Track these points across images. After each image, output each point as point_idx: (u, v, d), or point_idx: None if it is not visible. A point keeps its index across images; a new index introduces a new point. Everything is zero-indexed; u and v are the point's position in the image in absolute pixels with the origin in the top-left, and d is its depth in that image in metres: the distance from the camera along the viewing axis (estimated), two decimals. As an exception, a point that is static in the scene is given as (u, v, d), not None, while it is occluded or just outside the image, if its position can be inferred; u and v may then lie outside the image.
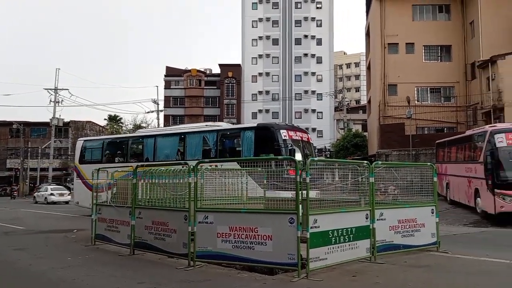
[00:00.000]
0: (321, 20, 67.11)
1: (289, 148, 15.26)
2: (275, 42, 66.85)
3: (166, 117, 63.41)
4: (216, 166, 13.45)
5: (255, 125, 17.70)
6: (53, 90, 49.75)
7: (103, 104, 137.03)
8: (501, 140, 15.79)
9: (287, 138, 15.77)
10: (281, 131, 15.91)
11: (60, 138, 61.14)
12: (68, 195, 37.26)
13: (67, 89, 50.63)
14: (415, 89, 36.95)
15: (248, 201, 10.64)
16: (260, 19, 67.19)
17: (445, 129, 36.41)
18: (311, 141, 17.88)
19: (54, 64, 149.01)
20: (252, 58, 66.83)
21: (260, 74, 66.43)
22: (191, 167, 8.72)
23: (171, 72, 67.30)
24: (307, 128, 44.53)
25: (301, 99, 64.91)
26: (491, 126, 18.21)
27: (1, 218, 20.91)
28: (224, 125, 20.68)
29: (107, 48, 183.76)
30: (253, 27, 67.27)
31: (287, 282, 7.14)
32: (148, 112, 67.63)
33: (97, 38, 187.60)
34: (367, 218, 8.52)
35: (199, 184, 8.65)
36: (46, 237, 13.78)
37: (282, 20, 67.10)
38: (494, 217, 15.97)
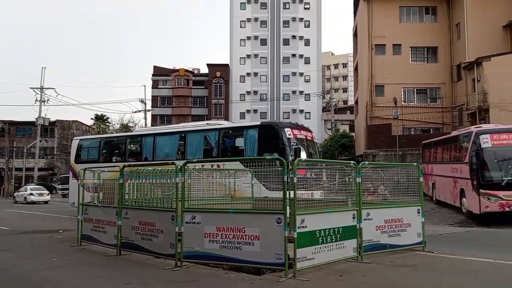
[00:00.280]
0: (309, 20, 67.30)
1: (294, 147, 14.98)
2: (263, 42, 66.89)
3: (154, 117, 63.10)
4: (218, 166, 13.41)
5: (258, 123, 17.45)
6: (39, 89, 49.20)
7: (89, 104, 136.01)
8: (486, 141, 15.99)
9: (292, 136, 15.57)
10: (286, 129, 15.70)
11: (46, 137, 60.49)
12: (48, 195, 37.01)
13: (53, 88, 50.08)
14: (402, 90, 37.25)
15: (235, 201, 10.65)
16: (249, 19, 67.17)
17: (431, 129, 36.75)
18: (315, 140, 17.65)
19: (40, 63, 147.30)
20: (240, 58, 66.77)
21: (248, 74, 66.40)
22: (179, 167, 8.69)
23: (158, 72, 66.96)
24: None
25: (289, 100, 65.00)
26: (476, 127, 18.43)
27: (-15, 219, 20.63)
28: (226, 123, 20.41)
29: (94, 47, 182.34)
30: (241, 27, 67.22)
31: (274, 282, 7.15)
32: (135, 112, 67.52)
33: (84, 37, 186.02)
34: (354, 218, 8.58)
35: (187, 184, 8.63)
36: (31, 238, 13.62)
37: (270, 20, 67.17)
38: (479, 217, 16.16)
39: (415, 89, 37.80)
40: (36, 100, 49.32)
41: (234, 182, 10.96)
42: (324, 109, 64.64)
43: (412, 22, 38.37)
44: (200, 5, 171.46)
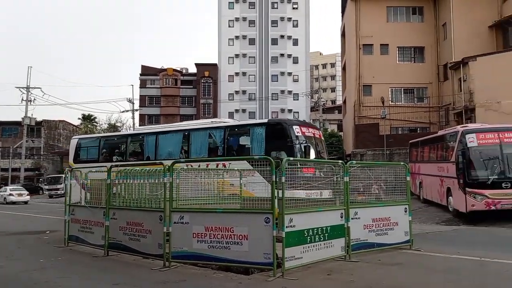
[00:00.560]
0: (297, 20, 67.39)
1: (304, 145, 14.63)
2: (252, 42, 66.83)
3: (142, 117, 62.76)
4: (224, 166, 13.32)
5: (266, 121, 17.02)
6: (25, 89, 48.66)
7: (76, 103, 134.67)
8: (472, 140, 16.15)
9: (300, 134, 15.11)
10: (294, 127, 15.31)
11: (32, 137, 59.84)
12: (27, 195, 36.71)
13: (39, 88, 49.57)
14: (389, 89, 37.52)
15: (224, 201, 10.65)
16: (237, 19, 67.07)
17: (418, 129, 37.05)
18: (322, 138, 17.28)
19: (26, 62, 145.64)
20: (228, 57, 66.62)
21: (237, 73, 66.30)
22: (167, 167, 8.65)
23: (146, 71, 66.60)
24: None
25: (277, 99, 65.04)
26: (462, 127, 18.60)
27: (-30, 220, 20.37)
28: (231, 121, 20.01)
29: (81, 46, 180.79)
30: (229, 26, 67.07)
31: (262, 281, 7.16)
32: (123, 112, 66.74)
33: (71, 36, 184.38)
34: (342, 217, 8.63)
35: (175, 184, 8.61)
36: (18, 239, 13.47)
37: (259, 20, 67.14)
38: (466, 215, 16.32)
39: (402, 88, 38.10)
40: (22, 99, 48.82)
41: (241, 182, 11.05)
42: (313, 109, 64.85)
43: (399, 22, 38.66)
44: (188, 5, 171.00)
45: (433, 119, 36.61)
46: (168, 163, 9.00)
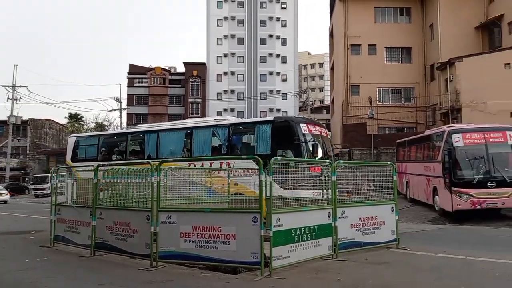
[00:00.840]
0: (286, 20, 67.53)
1: (312, 143, 14.35)
2: (240, 41, 66.80)
3: (129, 116, 62.42)
4: (228, 165, 13.11)
5: (271, 118, 16.66)
6: (11, 87, 48.08)
7: (63, 102, 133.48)
8: (458, 140, 16.31)
9: (307, 132, 14.78)
10: (301, 124, 14.94)
11: (18, 136, 59.14)
12: (7, 194, 36.24)
13: (25, 86, 48.97)
14: (377, 89, 37.77)
15: (212, 201, 10.64)
16: (226, 18, 66.99)
17: (405, 129, 37.35)
18: (329, 136, 16.96)
19: (12, 61, 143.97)
20: (217, 57, 66.54)
21: (225, 73, 66.25)
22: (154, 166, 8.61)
23: (134, 70, 66.22)
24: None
25: (266, 99, 65.13)
26: (448, 126, 18.75)
27: (-46, 220, 20.05)
28: (234, 119, 19.64)
29: (68, 45, 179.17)
30: (218, 26, 66.97)
31: (250, 281, 7.16)
32: (110, 111, 66.22)
33: (58, 35, 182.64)
34: (329, 216, 8.66)
35: (162, 184, 8.57)
36: (3, 239, 13.28)
37: (247, 19, 67.14)
38: (452, 214, 16.47)
39: (390, 89, 38.38)
40: (8, 98, 48.23)
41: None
42: (301, 109, 65.00)
43: (387, 23, 38.95)
44: (176, 4, 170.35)
45: (420, 119, 36.93)
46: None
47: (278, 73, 66.26)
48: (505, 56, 29.38)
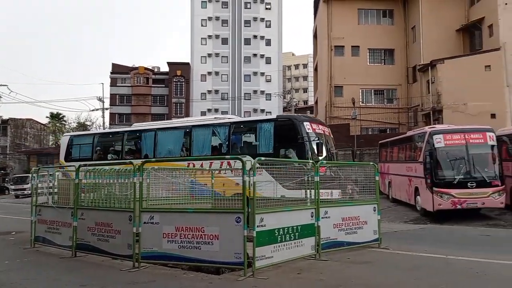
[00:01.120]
0: (270, 21, 67.63)
1: (317, 142, 13.98)
2: (225, 41, 66.71)
3: (112, 116, 61.83)
4: (229, 164, 12.85)
5: (274, 117, 16.27)
6: (-10, 86, 47.16)
7: (45, 101, 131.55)
8: (439, 141, 16.53)
9: (311, 131, 14.42)
10: (305, 123, 14.56)
11: (-2, 136, 58.20)
12: None
13: (6, 85, 48.07)
14: (360, 91, 38.07)
15: (195, 201, 10.61)
16: (210, 18, 66.83)
17: (388, 129, 37.70)
18: (331, 136, 16.58)
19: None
20: (201, 57, 66.33)
21: (210, 73, 66.07)
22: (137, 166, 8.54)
23: (117, 70, 65.61)
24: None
25: (250, 99, 65.14)
26: (430, 128, 18.99)
27: None
28: (235, 117, 19.11)
29: (50, 43, 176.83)
30: (202, 25, 66.77)
31: (233, 281, 7.17)
32: (93, 110, 65.47)
33: (39, 33, 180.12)
34: (312, 216, 8.71)
35: (145, 184, 8.52)
36: (-18, 240, 13.08)
37: (232, 19, 67.08)
38: (433, 214, 16.68)
39: (373, 90, 38.71)
40: (-13, 97, 47.28)
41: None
42: (285, 109, 65.15)
43: (370, 25, 39.28)
44: (160, 3, 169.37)
45: (402, 120, 37.33)
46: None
47: (262, 74, 66.33)
48: (485, 58, 29.90)
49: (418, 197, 18.17)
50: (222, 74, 66.18)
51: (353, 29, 38.34)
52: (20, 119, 64.26)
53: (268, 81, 66.27)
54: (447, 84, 29.95)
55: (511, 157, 16.84)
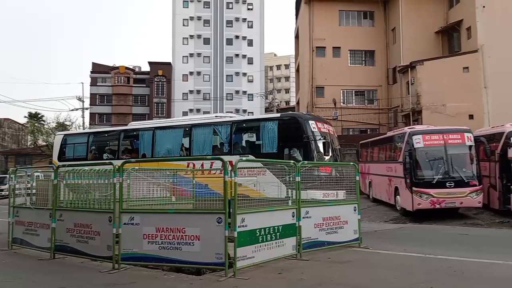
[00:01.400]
0: (252, 21, 67.71)
1: (323, 140, 13.76)
2: (207, 41, 66.54)
3: (92, 116, 61.11)
4: (231, 164, 12.74)
5: (278, 115, 15.97)
6: (-34, 85, 46.21)
7: (23, 101, 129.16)
8: (418, 141, 16.76)
9: (316, 130, 14.11)
10: (310, 122, 14.23)
11: (-26, 136, 56.99)
12: None
13: (-18, 85, 47.18)
14: (341, 91, 38.36)
15: (177, 202, 10.56)
16: (192, 18, 66.58)
17: (369, 130, 38.06)
18: (336, 135, 16.38)
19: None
20: (183, 56, 66.03)
21: (191, 73, 65.82)
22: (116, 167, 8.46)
23: (97, 69, 64.90)
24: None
25: (232, 99, 65.13)
26: (409, 128, 19.22)
27: None
28: (237, 116, 18.79)
29: (28, 42, 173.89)
30: (184, 25, 66.48)
31: (214, 281, 7.15)
32: (72, 110, 64.53)
33: (18, 31, 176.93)
34: (293, 216, 8.74)
35: (125, 185, 8.44)
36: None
37: (214, 19, 66.94)
38: (412, 213, 16.90)
39: (354, 91, 39.04)
40: (-37, 96, 46.37)
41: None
42: (267, 109, 65.26)
43: (351, 26, 39.61)
44: (142, 2, 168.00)
45: (383, 120, 37.73)
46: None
47: (244, 74, 66.36)
48: (464, 60, 30.44)
49: (398, 196, 18.37)
50: (204, 74, 66.00)
51: (334, 30, 38.62)
52: (-3, 119, 63.07)
53: (250, 81, 66.32)
54: (426, 85, 30.40)
55: (488, 157, 17.13)
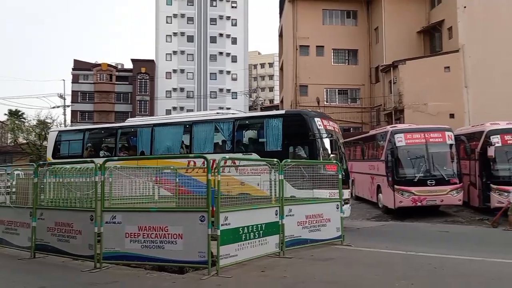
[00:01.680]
0: (236, 19, 67.63)
1: (330, 139, 13.53)
2: (190, 39, 66.25)
3: (74, 113, 60.38)
4: (234, 162, 12.40)
5: (283, 112, 15.58)
6: None
7: (3, 98, 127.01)
8: (400, 140, 16.97)
9: (322, 127, 13.72)
10: (316, 119, 13.85)
11: (-48, 134, 55.86)
12: None
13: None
14: (324, 90, 38.53)
15: (160, 200, 10.52)
16: (175, 15, 66.21)
17: (351, 128, 38.29)
18: (340, 132, 16.08)
19: None
20: (166, 54, 65.65)
21: (175, 70, 65.47)
22: (98, 165, 8.37)
23: (79, 66, 64.11)
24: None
25: (216, 97, 65.02)
26: (392, 127, 19.45)
27: None
28: (239, 113, 18.39)
29: (7, 38, 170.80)
30: (167, 23, 66.09)
31: (197, 280, 7.13)
32: (54, 107, 63.71)
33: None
34: (276, 215, 8.76)
35: (107, 183, 8.36)
36: None
37: (197, 17, 66.68)
38: (394, 211, 17.11)
39: (337, 89, 39.25)
40: None
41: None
42: (251, 108, 65.25)
43: (334, 25, 39.78)
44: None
45: (365, 119, 38.03)
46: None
47: (228, 72, 66.28)
48: (445, 60, 30.84)
49: (380, 194, 18.57)
50: (187, 72, 65.73)
51: (318, 29, 38.76)
52: (-24, 116, 61.99)
53: (234, 79, 66.28)
54: (408, 84, 30.73)
55: (468, 156, 17.44)
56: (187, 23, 66.44)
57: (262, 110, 54.09)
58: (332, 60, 39.35)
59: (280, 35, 46.04)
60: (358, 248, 9.92)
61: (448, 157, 16.92)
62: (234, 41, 66.95)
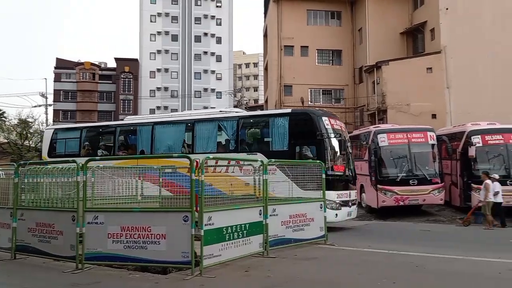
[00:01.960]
0: (221, 18, 67.54)
1: (338, 138, 13.35)
2: (175, 38, 65.96)
3: (56, 112, 59.65)
4: (237, 162, 12.15)
5: (289, 111, 15.33)
6: None
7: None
8: (383, 140, 17.14)
9: (330, 127, 13.52)
10: (323, 118, 13.62)
11: None
12: None
13: None
14: (309, 90, 38.65)
15: (143, 200, 10.44)
16: (159, 14, 65.85)
17: (336, 129, 38.43)
18: (347, 132, 15.85)
19: None
20: (150, 53, 65.26)
21: (159, 70, 65.12)
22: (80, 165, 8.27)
23: (62, 64, 63.36)
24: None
25: (200, 97, 64.85)
26: (375, 127, 19.62)
27: None
28: (242, 112, 18.06)
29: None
30: (151, 21, 65.69)
31: (180, 280, 7.10)
32: (35, 106, 62.69)
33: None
34: (260, 214, 8.76)
35: (89, 183, 8.28)
36: None
37: (182, 16, 66.40)
38: (377, 211, 17.27)
39: (321, 90, 39.41)
40: None
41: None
42: (235, 107, 65.27)
43: (318, 26, 39.92)
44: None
45: (349, 119, 38.22)
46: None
47: (213, 72, 66.16)
48: (427, 61, 31.18)
49: (363, 194, 18.73)
50: (171, 71, 65.44)
51: (302, 29, 38.86)
52: (-45, 115, 60.72)
53: (219, 79, 66.18)
54: (391, 85, 31.00)
55: (450, 156, 17.68)
56: (172, 22, 66.15)
57: (246, 110, 54.14)
58: (317, 61, 39.47)
59: (265, 35, 46.08)
60: (341, 247, 9.99)
61: (430, 157, 17.15)
62: (218, 40, 66.86)
